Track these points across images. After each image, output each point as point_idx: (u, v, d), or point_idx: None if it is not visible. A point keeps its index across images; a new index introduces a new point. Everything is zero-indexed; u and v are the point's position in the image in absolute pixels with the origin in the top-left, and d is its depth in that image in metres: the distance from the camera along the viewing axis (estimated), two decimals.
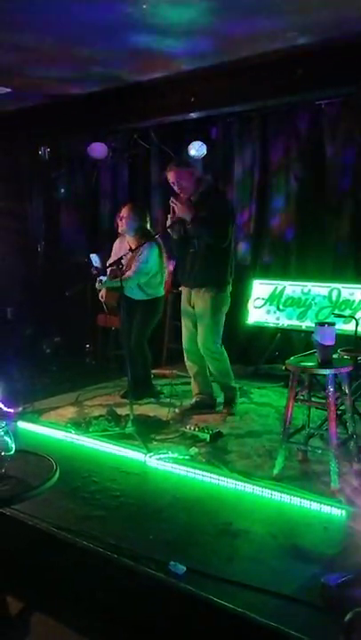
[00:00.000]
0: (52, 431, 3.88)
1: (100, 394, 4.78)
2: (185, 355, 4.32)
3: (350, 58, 4.34)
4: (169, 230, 4.04)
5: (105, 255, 4.87)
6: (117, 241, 4.69)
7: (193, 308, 4.15)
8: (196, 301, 4.11)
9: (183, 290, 4.26)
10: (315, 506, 2.78)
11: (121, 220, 4.48)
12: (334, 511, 2.72)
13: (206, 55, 4.62)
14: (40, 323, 6.48)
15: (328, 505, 2.75)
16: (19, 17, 3.84)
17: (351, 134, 5.02)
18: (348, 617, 1.90)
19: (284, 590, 2.16)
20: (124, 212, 4.47)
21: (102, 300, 4.72)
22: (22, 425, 4.02)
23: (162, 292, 4.59)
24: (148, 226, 4.54)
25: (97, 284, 4.43)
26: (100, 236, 6.58)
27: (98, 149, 5.96)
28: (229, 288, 4.14)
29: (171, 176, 4.02)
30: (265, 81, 4.80)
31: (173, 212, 3.96)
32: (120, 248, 4.59)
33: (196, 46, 4.43)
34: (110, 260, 4.45)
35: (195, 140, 5.53)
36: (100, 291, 4.63)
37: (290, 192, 5.42)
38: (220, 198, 4.21)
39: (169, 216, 4.01)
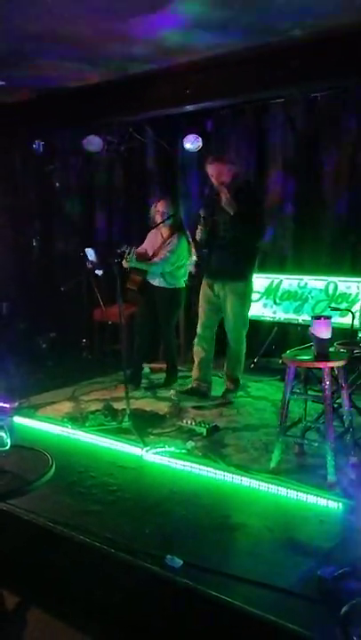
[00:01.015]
0: (48, 426, 3.88)
1: (97, 388, 4.77)
2: (196, 339, 4.39)
3: (346, 50, 4.32)
4: (199, 235, 4.18)
5: (106, 248, 4.89)
6: (152, 232, 4.75)
7: (218, 298, 4.24)
8: (222, 293, 4.21)
9: (205, 280, 4.35)
10: (311, 499, 2.78)
11: (158, 213, 4.58)
12: (331, 504, 2.73)
13: (201, 47, 4.58)
14: (35, 318, 6.47)
15: (325, 498, 2.76)
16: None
17: (345, 127, 5.00)
18: (344, 609, 1.91)
19: (280, 583, 2.16)
20: (161, 206, 4.57)
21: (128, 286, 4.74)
22: (18, 420, 4.01)
23: (183, 283, 4.68)
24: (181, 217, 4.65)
25: (124, 263, 4.42)
26: (95, 230, 6.56)
27: (93, 143, 5.92)
28: (252, 279, 4.35)
29: (210, 169, 4.11)
30: (260, 73, 4.78)
31: (205, 224, 4.08)
32: (155, 238, 4.68)
33: (193, 39, 4.39)
34: (140, 248, 4.62)
35: (190, 133, 5.51)
36: (129, 274, 4.65)
37: (285, 185, 5.40)
38: (254, 196, 4.30)
39: (200, 226, 4.12)
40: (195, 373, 4.40)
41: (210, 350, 4.36)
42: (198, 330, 4.39)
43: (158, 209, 4.58)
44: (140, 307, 4.77)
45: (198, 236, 4.21)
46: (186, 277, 4.69)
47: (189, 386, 4.39)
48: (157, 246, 4.60)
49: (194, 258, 4.74)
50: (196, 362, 4.39)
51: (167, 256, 4.49)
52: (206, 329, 4.34)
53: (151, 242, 4.68)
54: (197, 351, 4.38)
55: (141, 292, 4.61)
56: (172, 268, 4.54)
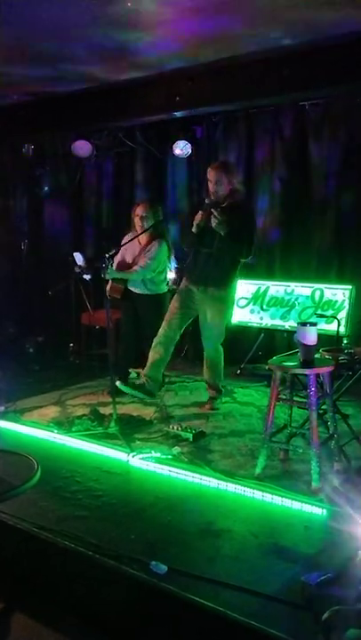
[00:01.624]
0: (34, 431, 3.86)
1: (84, 393, 4.76)
2: (158, 339, 4.26)
3: (336, 59, 4.38)
4: (195, 225, 4.05)
5: (94, 253, 4.87)
6: (128, 235, 4.61)
7: (193, 303, 4.21)
8: (202, 300, 4.18)
9: (184, 285, 4.28)
10: (296, 505, 2.80)
11: (137, 217, 4.50)
12: (315, 510, 2.75)
13: (191, 54, 4.61)
14: (23, 321, 6.43)
15: (309, 504, 2.78)
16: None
17: (335, 135, 5.06)
18: (325, 615, 1.92)
19: (264, 589, 2.17)
20: (140, 210, 4.49)
21: (108, 294, 4.69)
22: (4, 424, 3.99)
23: (164, 288, 4.66)
24: (160, 223, 4.57)
25: (102, 275, 4.32)
26: (84, 234, 6.55)
27: (82, 147, 5.93)
28: (235, 288, 4.33)
29: (211, 174, 4.05)
30: (250, 81, 4.82)
31: (206, 212, 3.95)
32: (133, 244, 4.58)
33: (180, 45, 4.42)
34: (118, 256, 4.53)
35: (180, 140, 5.54)
36: (107, 283, 4.59)
37: (274, 192, 5.45)
38: (248, 214, 4.24)
39: (201, 212, 4.01)
40: (146, 370, 4.31)
41: (169, 352, 4.28)
42: (163, 330, 4.25)
43: (137, 213, 4.50)
44: (123, 314, 4.72)
45: (197, 220, 4.04)
46: (167, 282, 4.67)
47: (139, 381, 4.40)
48: (137, 253, 4.54)
49: (174, 264, 4.72)
50: (151, 360, 4.29)
51: (148, 263, 4.43)
52: (173, 330, 4.24)
53: (130, 248, 4.58)
54: (157, 351, 4.26)
55: (124, 300, 4.57)
56: (153, 275, 4.49)
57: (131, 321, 4.65)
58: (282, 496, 2.85)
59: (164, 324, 4.29)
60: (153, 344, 4.31)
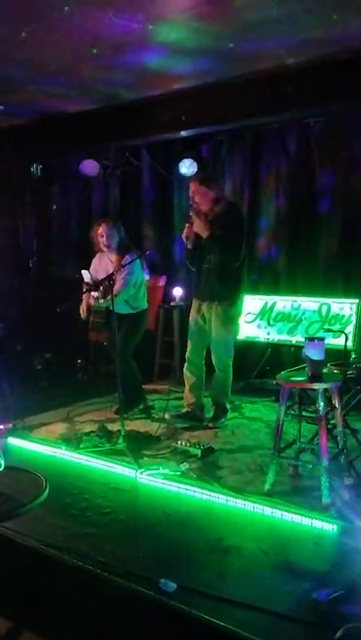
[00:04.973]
0: (42, 447, 3.85)
1: (92, 410, 4.76)
2: (186, 364, 4.35)
3: (339, 76, 4.44)
4: (184, 239, 4.16)
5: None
6: (96, 257, 4.64)
7: (204, 321, 4.22)
8: (208, 315, 4.20)
9: (194, 302, 4.36)
10: (306, 521, 2.76)
11: (101, 237, 4.47)
12: (326, 526, 2.71)
13: (198, 74, 4.70)
14: (31, 338, 6.46)
15: (319, 520, 2.74)
16: (19, 32, 3.86)
17: (339, 152, 5.11)
18: (339, 634, 1.89)
19: (275, 607, 2.14)
20: (102, 229, 4.46)
21: (83, 318, 4.62)
22: (12, 441, 3.98)
23: (146, 304, 4.61)
24: (124, 237, 4.53)
25: (94, 302, 4.39)
26: (91, 252, 6.60)
27: (89, 167, 6.02)
28: (241, 303, 4.33)
29: (191, 187, 4.18)
30: (255, 99, 4.89)
31: (191, 223, 4.07)
32: (100, 264, 4.56)
33: (189, 65, 4.50)
34: (93, 277, 4.44)
35: (186, 158, 5.60)
36: (84, 309, 4.55)
37: (279, 209, 5.49)
38: (234, 219, 4.23)
39: (187, 225, 4.12)
40: (187, 398, 4.34)
41: (200, 374, 4.31)
42: (187, 354, 4.35)
43: (101, 232, 4.44)
44: (109, 337, 4.56)
45: (184, 234, 4.13)
46: (147, 296, 4.61)
47: (183, 410, 4.33)
48: (110, 271, 4.30)
49: (147, 277, 4.70)
50: (187, 387, 4.34)
51: (127, 279, 4.33)
52: (194, 354, 4.30)
53: (104, 269, 4.45)
54: (187, 377, 4.33)
55: (108, 322, 4.43)
56: (134, 290, 4.42)
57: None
58: (292, 512, 2.82)
59: (188, 346, 4.33)
60: (184, 369, 4.35)
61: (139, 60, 4.33)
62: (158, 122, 5.41)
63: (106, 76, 4.72)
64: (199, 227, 4.02)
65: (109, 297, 3.99)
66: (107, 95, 5.24)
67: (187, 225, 4.13)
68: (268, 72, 4.60)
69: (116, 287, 4.31)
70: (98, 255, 4.64)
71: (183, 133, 5.52)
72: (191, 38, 3.97)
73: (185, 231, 4.14)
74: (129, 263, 4.25)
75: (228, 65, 4.51)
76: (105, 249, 4.51)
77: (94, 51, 4.13)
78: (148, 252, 4.50)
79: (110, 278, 3.93)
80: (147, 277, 4.72)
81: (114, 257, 4.47)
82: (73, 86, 5.02)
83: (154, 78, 4.77)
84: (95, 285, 4.49)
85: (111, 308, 4.09)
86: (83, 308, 4.59)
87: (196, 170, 5.58)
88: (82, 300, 4.61)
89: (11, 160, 6.58)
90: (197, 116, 5.21)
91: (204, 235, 4.02)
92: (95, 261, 4.64)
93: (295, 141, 5.35)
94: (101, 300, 4.31)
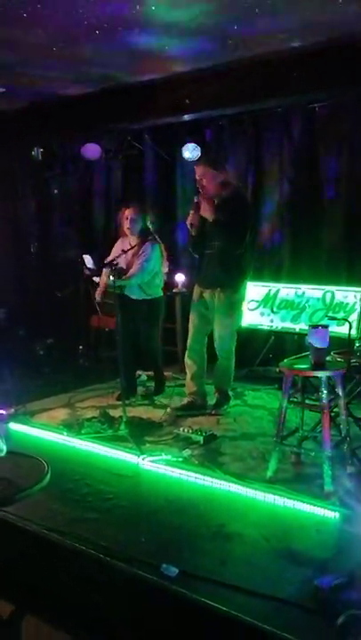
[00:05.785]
0: (44, 433, 3.85)
1: (93, 395, 4.76)
2: (187, 352, 4.33)
3: (344, 60, 4.35)
4: (188, 226, 4.12)
5: (104, 255, 4.84)
6: (119, 241, 4.66)
7: (206, 308, 4.19)
8: (211, 302, 4.17)
9: (196, 289, 4.32)
10: (308, 508, 2.77)
11: (126, 219, 4.49)
12: (328, 514, 2.71)
13: (200, 57, 4.62)
14: (33, 324, 6.45)
15: (321, 507, 2.74)
16: (18, 13, 3.79)
17: (344, 137, 5.04)
18: (340, 620, 1.90)
19: (277, 593, 2.14)
20: (129, 212, 4.49)
21: (98, 300, 4.68)
22: (14, 426, 3.98)
23: (161, 292, 4.63)
24: (150, 226, 4.56)
25: (107, 281, 4.37)
26: (93, 237, 6.57)
27: (91, 150, 5.95)
28: (244, 290, 4.29)
29: (198, 170, 4.13)
30: (259, 83, 4.81)
31: (197, 208, 4.03)
32: (119, 248, 4.57)
33: (190, 48, 4.42)
34: (112, 261, 4.40)
35: (189, 142, 5.53)
36: (98, 289, 4.57)
37: (283, 194, 5.43)
38: (240, 204, 4.19)
39: (191, 212, 4.08)
40: (189, 387, 4.32)
41: (201, 362, 4.28)
42: (188, 342, 4.32)
43: (127, 215, 4.48)
44: (121, 322, 4.44)
45: (189, 221, 4.11)
46: (162, 285, 4.63)
47: (185, 401, 4.31)
48: (129, 257, 4.44)
49: (166, 269, 4.70)
50: (188, 375, 4.32)
51: (144, 266, 4.37)
52: (195, 341, 4.27)
53: (117, 253, 4.46)
54: (188, 365, 4.31)
55: (120, 307, 4.30)
56: (149, 277, 4.44)
57: (127, 326, 4.40)
58: (294, 499, 2.82)
59: (189, 334, 4.31)
60: (185, 358, 4.33)
61: (137, 41, 4.24)
62: (161, 105, 5.33)
63: (104, 58, 4.63)
64: (206, 210, 3.97)
65: (125, 277, 4.07)
66: (109, 78, 5.16)
67: (191, 211, 4.08)
68: (273, 55, 4.52)
69: (132, 271, 4.37)
70: (121, 239, 4.65)
71: (186, 117, 5.44)
72: (191, 20, 3.88)
73: (189, 218, 4.10)
74: (145, 250, 4.32)
75: (229, 48, 4.42)
76: (127, 232, 4.52)
77: (97, 32, 4.05)
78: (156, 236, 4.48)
79: (111, 264, 3.97)
80: (165, 270, 4.70)
81: (134, 241, 4.50)
82: (70, 69, 4.92)
83: (153, 61, 4.68)
84: (97, 269, 4.48)
85: (124, 290, 4.15)
86: (100, 290, 4.63)
87: (199, 154, 5.51)
88: (84, 283, 4.61)
89: (11, 144, 6.52)
90: (200, 100, 5.13)
91: (210, 218, 3.98)
92: (118, 244, 4.65)
93: (299, 126, 5.27)
94: (114, 280, 4.20)
